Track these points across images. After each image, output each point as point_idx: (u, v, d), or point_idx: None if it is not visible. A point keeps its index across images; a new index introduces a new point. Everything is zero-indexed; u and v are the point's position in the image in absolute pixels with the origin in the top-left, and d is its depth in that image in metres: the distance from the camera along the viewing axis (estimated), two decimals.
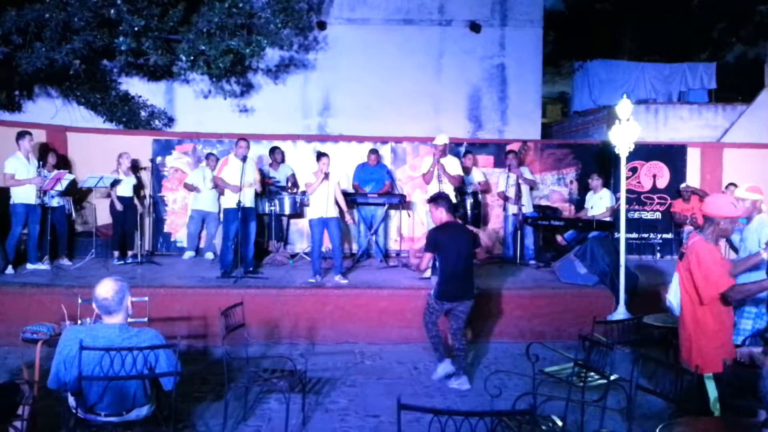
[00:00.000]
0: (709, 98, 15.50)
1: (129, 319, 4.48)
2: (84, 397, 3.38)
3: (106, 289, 3.40)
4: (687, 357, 3.74)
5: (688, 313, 3.86)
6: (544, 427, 3.22)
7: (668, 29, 17.37)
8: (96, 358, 3.30)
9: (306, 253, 9.43)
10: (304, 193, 9.25)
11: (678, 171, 10.65)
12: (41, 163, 8.45)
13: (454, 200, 7.83)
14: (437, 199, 5.79)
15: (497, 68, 13.05)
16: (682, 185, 10.32)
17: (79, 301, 4.87)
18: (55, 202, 8.54)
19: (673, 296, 4.14)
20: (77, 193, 9.42)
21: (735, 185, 10.04)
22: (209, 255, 9.61)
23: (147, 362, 3.38)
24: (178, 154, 10.27)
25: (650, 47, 17.71)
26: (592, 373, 4.15)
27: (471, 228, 5.96)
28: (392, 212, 9.97)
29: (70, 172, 8.79)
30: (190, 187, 9.71)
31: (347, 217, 8.36)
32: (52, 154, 8.79)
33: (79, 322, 4.85)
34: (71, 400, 3.42)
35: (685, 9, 17.65)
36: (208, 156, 9.79)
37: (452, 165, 8.12)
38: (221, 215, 9.52)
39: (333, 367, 6.11)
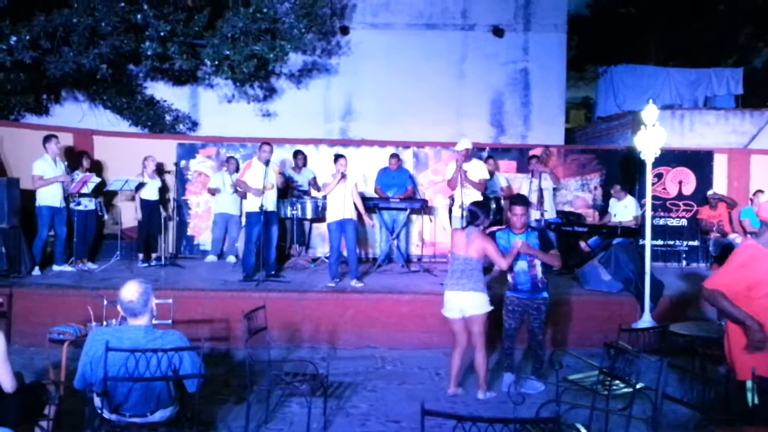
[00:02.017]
0: (736, 104, 15.28)
1: (153, 321, 4.55)
2: (109, 398, 3.41)
3: (131, 291, 3.43)
4: (730, 363, 3.61)
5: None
6: None
7: (694, 34, 17.17)
8: (122, 360, 3.34)
9: (327, 257, 9.44)
10: (324, 197, 9.29)
11: (704, 177, 10.51)
12: (68, 165, 8.59)
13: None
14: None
15: (520, 73, 12.99)
16: (709, 192, 10.18)
17: (105, 302, 4.92)
18: (85, 205, 8.64)
19: None
20: (103, 196, 9.54)
21: (762, 192, 9.90)
22: (231, 258, 9.67)
23: (171, 364, 3.40)
24: (201, 158, 10.37)
25: (676, 52, 17.52)
26: (617, 382, 4.10)
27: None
28: (414, 217, 9.97)
29: (98, 175, 8.90)
30: (212, 191, 9.80)
31: (366, 219, 8.32)
32: (86, 157, 8.91)
33: (105, 323, 4.91)
34: (97, 401, 3.45)
35: (711, 14, 17.42)
36: (228, 160, 9.86)
37: (476, 170, 8.09)
38: (243, 218, 9.61)
39: (354, 371, 6.11)
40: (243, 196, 9.14)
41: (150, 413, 3.48)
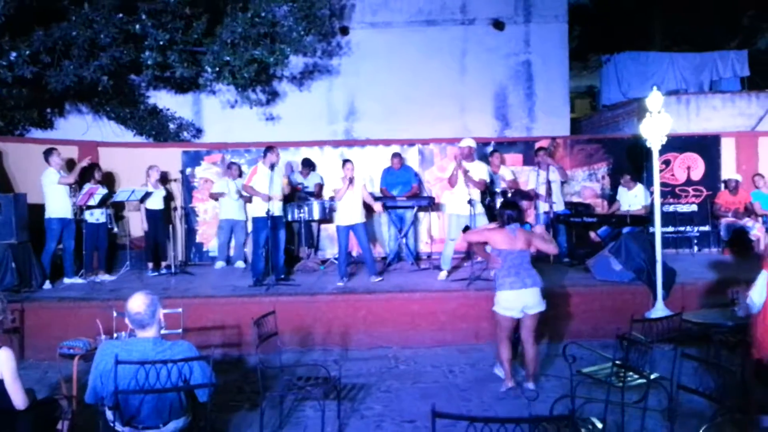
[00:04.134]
0: (742, 86, 15.14)
1: (163, 331, 4.54)
2: (121, 411, 3.40)
3: (138, 303, 3.42)
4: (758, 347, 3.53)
5: None
6: (583, 430, 3.14)
7: (697, 18, 17.00)
8: (131, 372, 3.33)
9: (336, 259, 9.43)
10: (332, 198, 9.29)
11: (712, 162, 10.41)
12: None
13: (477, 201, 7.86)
14: None
15: (523, 65, 12.93)
16: (727, 176, 10.07)
17: (114, 314, 4.92)
18: (97, 218, 8.67)
19: (758, 295, 3.93)
20: (113, 208, 9.55)
21: (762, 176, 9.80)
22: (240, 264, 9.68)
23: (182, 374, 3.39)
24: (207, 164, 10.36)
25: (679, 37, 17.37)
26: (632, 373, 4.05)
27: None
28: (421, 214, 9.93)
29: (103, 186, 8.91)
30: (215, 196, 9.80)
31: (376, 207, 8.32)
32: (98, 169, 8.93)
33: (115, 335, 4.91)
34: (109, 414, 3.45)
35: None
36: (230, 166, 9.86)
37: (477, 170, 8.09)
38: (248, 223, 9.64)
39: (367, 372, 6.09)
40: (248, 201, 9.17)
41: (163, 424, 3.47)
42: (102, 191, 8.68)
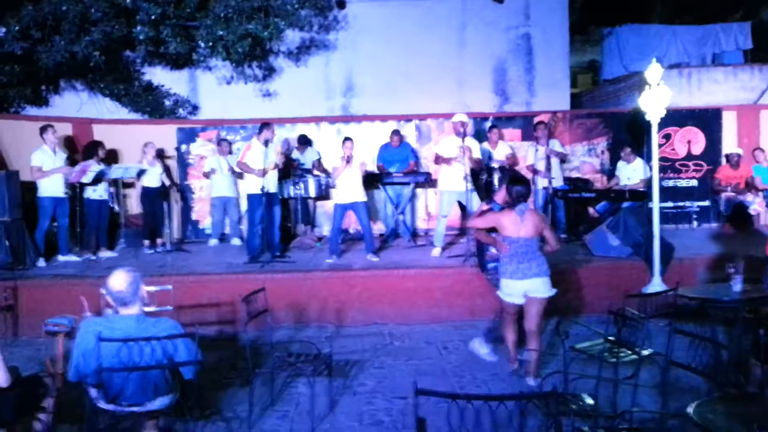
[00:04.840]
0: (745, 59, 14.90)
1: (153, 308, 4.51)
2: (105, 389, 3.37)
3: (119, 281, 3.37)
4: None
5: None
6: (574, 406, 3.10)
7: None
8: (114, 350, 3.28)
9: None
10: (328, 174, 9.22)
11: (713, 136, 10.29)
12: (68, 156, 8.56)
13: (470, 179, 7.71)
14: None
15: (522, 38, 12.73)
16: (729, 150, 9.94)
17: (103, 292, 4.86)
18: (100, 195, 8.61)
19: None
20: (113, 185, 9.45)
21: (762, 150, 9.68)
22: (236, 241, 9.64)
23: (166, 352, 3.34)
24: (202, 141, 10.28)
25: (682, 9, 17.09)
26: (625, 349, 4.00)
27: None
28: (419, 191, 9.85)
29: (106, 164, 8.79)
30: (206, 174, 9.73)
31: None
32: (101, 147, 8.81)
33: (108, 312, 4.85)
34: (93, 392, 3.41)
35: None
36: (219, 142, 9.76)
37: (474, 148, 8.01)
38: (241, 200, 9.59)
39: (361, 349, 6.05)
40: (240, 177, 9.13)
41: (148, 402, 3.43)
42: (96, 168, 8.57)
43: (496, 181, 9.03)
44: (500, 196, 5.39)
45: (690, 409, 2.27)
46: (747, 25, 14.97)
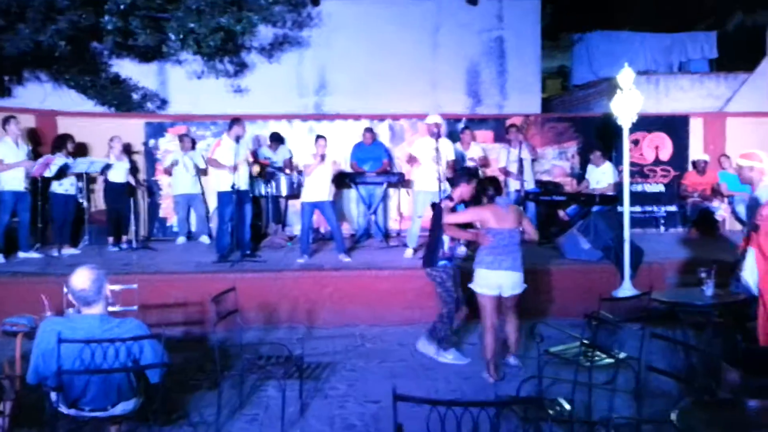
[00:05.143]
0: (710, 68, 15.19)
1: (117, 308, 4.36)
2: (65, 392, 3.22)
3: (82, 279, 3.22)
4: (765, 338, 3.46)
5: None
6: (551, 411, 3.06)
7: None
8: (76, 351, 3.14)
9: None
10: (300, 173, 9.11)
11: (681, 142, 10.45)
12: (32, 149, 8.29)
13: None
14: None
15: (495, 41, 12.76)
16: (696, 157, 10.08)
17: (65, 290, 4.69)
18: (66, 189, 8.36)
19: (750, 274, 3.79)
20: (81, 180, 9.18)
21: (727, 156, 9.85)
22: (204, 239, 9.46)
23: (131, 354, 3.21)
24: (171, 136, 10.05)
25: (650, 17, 17.35)
26: (599, 353, 3.99)
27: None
28: (391, 191, 9.79)
29: (72, 158, 8.53)
30: (168, 170, 9.52)
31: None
32: (70, 140, 8.54)
33: (70, 311, 4.68)
34: (53, 395, 3.26)
35: None
36: (182, 138, 9.55)
37: (444, 148, 7.98)
38: (207, 196, 9.43)
39: (333, 351, 5.96)
40: (204, 174, 8.98)
41: (111, 406, 3.29)
42: (59, 161, 8.31)
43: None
44: (456, 193, 5.52)
45: (673, 416, 2.25)
46: (713, 35, 15.29)
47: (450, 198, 5.61)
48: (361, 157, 9.45)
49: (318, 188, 7.78)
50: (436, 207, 5.73)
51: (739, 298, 4.19)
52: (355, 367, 5.53)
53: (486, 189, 5.35)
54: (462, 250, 6.05)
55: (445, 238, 5.49)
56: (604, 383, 3.77)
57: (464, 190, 5.52)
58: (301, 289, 7.01)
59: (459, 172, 5.80)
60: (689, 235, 9.72)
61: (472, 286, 5.23)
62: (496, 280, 5.06)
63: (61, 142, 8.45)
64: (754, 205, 4.37)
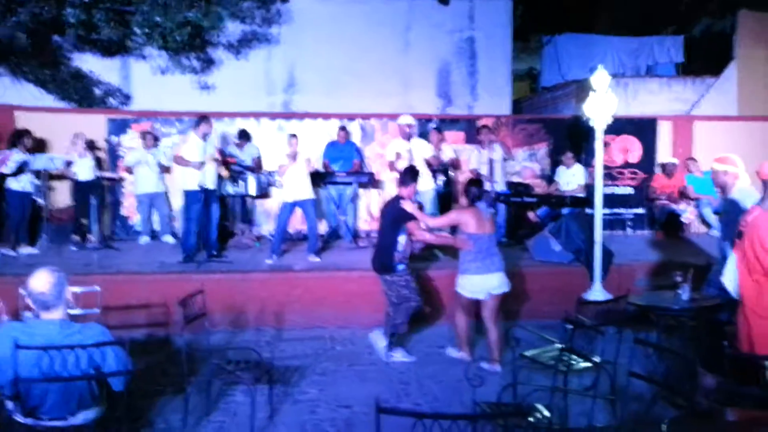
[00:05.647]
0: (677, 72, 15.42)
1: (78, 311, 4.16)
2: (22, 401, 3.04)
3: (41, 282, 3.04)
4: (748, 345, 3.44)
5: (753, 296, 3.51)
6: (531, 419, 3.00)
7: (636, 3, 17.21)
8: (33, 359, 2.96)
9: (273, 235, 9.09)
10: (270, 173, 8.95)
11: (649, 145, 10.53)
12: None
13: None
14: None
15: (466, 42, 12.75)
16: (664, 160, 10.17)
17: (22, 292, 4.47)
18: (23, 186, 8.06)
19: (730, 279, 3.76)
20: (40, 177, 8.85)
21: (694, 159, 9.98)
22: (168, 238, 9.19)
23: (93, 361, 3.04)
24: (134, 133, 9.76)
25: (619, 21, 17.56)
26: (575, 357, 3.94)
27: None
28: (361, 191, 9.67)
29: (32, 154, 8.21)
30: (129, 169, 9.26)
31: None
32: (28, 136, 8.22)
33: (28, 315, 4.46)
34: (8, 404, 3.07)
35: None
36: (144, 135, 9.28)
37: (420, 148, 7.92)
38: (170, 195, 9.20)
39: (302, 354, 5.82)
40: (167, 172, 8.77)
41: (71, 415, 3.12)
42: (17, 157, 8.00)
43: (440, 182, 9.05)
44: (408, 192, 5.49)
45: (664, 427, 2.19)
46: (680, 39, 15.51)
47: (402, 199, 5.53)
48: (334, 155, 9.32)
49: (297, 187, 7.68)
50: (389, 207, 5.61)
51: (715, 303, 4.19)
52: (325, 371, 5.41)
53: (470, 191, 5.41)
54: (417, 246, 6.18)
55: (401, 240, 5.47)
56: (585, 389, 3.71)
57: (413, 190, 5.57)
58: (269, 290, 6.86)
59: (408, 171, 5.72)
60: (656, 237, 9.81)
61: (459, 290, 5.35)
62: (486, 284, 5.23)
63: (18, 137, 8.13)
64: (730, 210, 4.38)
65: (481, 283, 5.22)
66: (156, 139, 9.32)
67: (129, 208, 9.73)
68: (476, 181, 5.72)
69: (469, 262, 5.21)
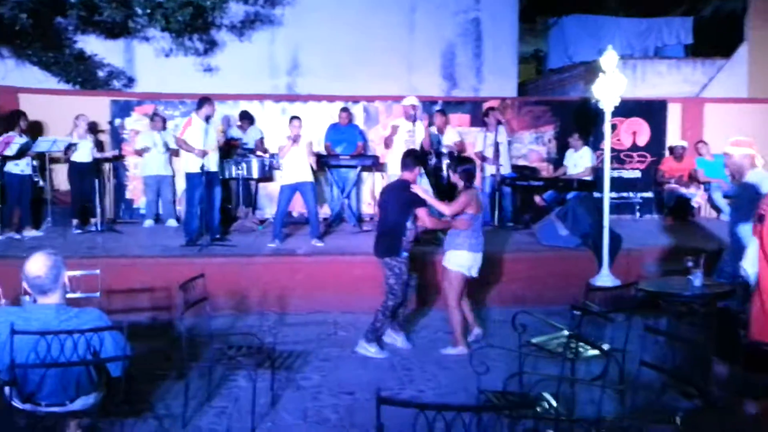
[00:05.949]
0: (686, 53, 15.21)
1: (78, 295, 4.11)
2: (20, 387, 2.99)
3: (38, 265, 2.98)
4: (760, 333, 3.34)
5: None
6: (539, 409, 2.93)
7: None
8: (30, 344, 2.90)
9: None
10: (273, 155, 8.85)
11: (658, 127, 10.37)
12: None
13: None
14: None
15: (472, 23, 12.57)
16: (673, 143, 10.02)
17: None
18: (22, 170, 8.01)
19: (751, 265, 3.65)
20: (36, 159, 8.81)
21: (705, 143, 9.83)
22: (172, 222, 9.16)
23: (90, 346, 2.99)
24: (138, 115, 9.69)
25: (627, 1, 17.31)
26: (582, 344, 3.87)
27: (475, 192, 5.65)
28: (365, 174, 9.58)
29: (27, 136, 8.14)
30: (139, 152, 9.19)
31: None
32: (23, 118, 8.15)
33: (26, 299, 4.41)
34: (5, 390, 3.03)
35: None
36: (153, 117, 9.21)
37: (420, 131, 7.82)
38: (176, 179, 9.13)
39: (305, 339, 5.77)
40: (175, 154, 8.68)
41: (69, 401, 3.07)
42: (20, 140, 7.95)
43: (444, 167, 8.94)
44: (413, 176, 5.51)
45: (677, 420, 2.12)
46: (689, 20, 15.27)
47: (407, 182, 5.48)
48: (336, 138, 9.22)
49: (297, 169, 7.60)
50: (395, 191, 5.52)
51: (727, 289, 4.10)
52: (328, 356, 5.35)
53: (466, 170, 5.44)
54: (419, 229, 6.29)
55: (409, 225, 5.51)
56: (593, 378, 3.64)
57: (417, 173, 5.61)
58: (272, 274, 6.80)
59: (409, 154, 5.65)
60: (665, 221, 9.69)
61: (448, 265, 5.38)
62: (474, 261, 5.36)
63: (13, 119, 8.05)
64: (744, 194, 4.27)
65: (472, 260, 5.33)
66: (164, 120, 9.25)
67: (134, 191, 9.68)
68: (467, 159, 5.91)
69: (465, 237, 5.30)
